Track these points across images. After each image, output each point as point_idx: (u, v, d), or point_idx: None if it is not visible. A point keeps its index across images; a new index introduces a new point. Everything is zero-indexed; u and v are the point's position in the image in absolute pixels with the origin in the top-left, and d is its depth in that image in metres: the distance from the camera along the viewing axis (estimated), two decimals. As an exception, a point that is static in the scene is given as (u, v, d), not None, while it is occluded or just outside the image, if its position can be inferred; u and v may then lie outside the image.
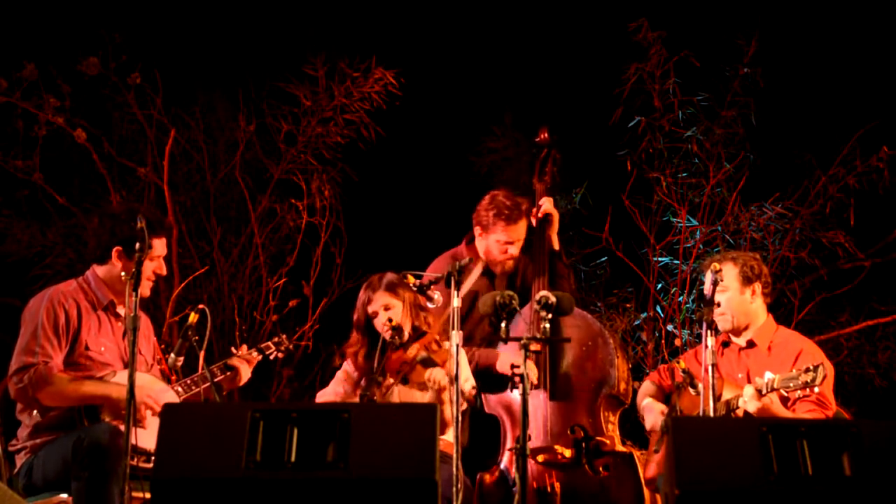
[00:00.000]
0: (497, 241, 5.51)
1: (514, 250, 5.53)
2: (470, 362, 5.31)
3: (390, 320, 4.89)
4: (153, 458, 3.82)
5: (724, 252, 5.46)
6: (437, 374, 4.78)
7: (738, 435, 3.50)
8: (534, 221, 5.65)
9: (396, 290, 4.95)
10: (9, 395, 4.67)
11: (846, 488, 3.43)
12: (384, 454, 3.40)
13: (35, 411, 4.55)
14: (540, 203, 5.66)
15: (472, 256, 5.32)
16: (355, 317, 5.04)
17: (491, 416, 5.40)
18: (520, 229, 5.50)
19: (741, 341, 5.08)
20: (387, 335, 4.82)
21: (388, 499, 3.37)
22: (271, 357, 5.06)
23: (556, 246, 5.65)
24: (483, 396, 5.40)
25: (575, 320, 5.40)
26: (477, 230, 5.57)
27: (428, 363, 4.85)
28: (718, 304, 4.94)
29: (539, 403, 5.30)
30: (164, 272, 4.84)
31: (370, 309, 4.97)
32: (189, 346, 4.52)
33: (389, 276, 4.97)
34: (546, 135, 5.85)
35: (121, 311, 4.78)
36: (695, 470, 3.43)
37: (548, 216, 5.64)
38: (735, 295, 5.02)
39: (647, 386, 5.29)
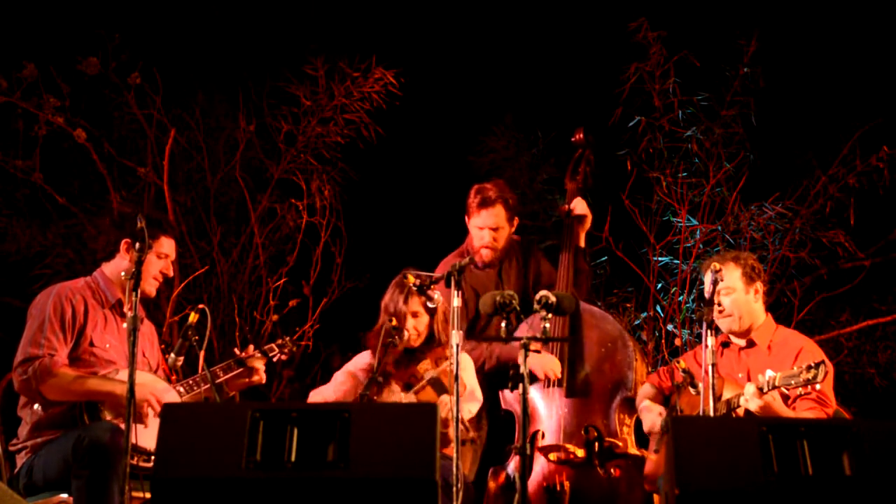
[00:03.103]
0: (475, 227, 5.54)
1: (489, 237, 5.52)
2: (489, 358, 5.33)
3: (390, 320, 4.89)
4: (153, 457, 3.82)
5: (725, 252, 5.46)
6: (448, 404, 4.74)
7: (738, 434, 3.51)
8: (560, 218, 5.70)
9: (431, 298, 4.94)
10: (9, 395, 4.68)
11: (846, 488, 3.43)
12: (384, 454, 3.40)
13: (36, 406, 4.56)
14: (573, 205, 5.69)
15: (471, 256, 5.34)
16: (392, 308, 5.00)
17: (508, 412, 5.41)
18: (494, 216, 5.51)
19: (741, 341, 5.09)
20: (394, 338, 4.82)
21: (388, 499, 3.37)
22: (275, 359, 5.07)
23: (583, 244, 5.69)
24: (500, 393, 5.42)
25: (595, 320, 5.44)
26: (466, 219, 5.61)
27: (437, 386, 4.84)
28: (720, 304, 4.95)
29: (555, 402, 5.32)
30: (171, 273, 4.87)
31: (406, 309, 4.96)
32: (189, 346, 4.52)
33: (412, 281, 4.92)
34: (581, 135, 5.94)
35: (127, 311, 4.79)
36: (695, 469, 3.43)
37: (582, 217, 5.68)
38: (741, 295, 5.02)
39: (645, 388, 5.29)
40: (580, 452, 5.20)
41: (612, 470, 5.22)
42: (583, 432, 5.28)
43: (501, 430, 5.42)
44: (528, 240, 5.90)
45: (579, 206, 5.73)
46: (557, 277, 5.58)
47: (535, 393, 5.35)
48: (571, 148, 5.95)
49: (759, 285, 5.06)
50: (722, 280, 4.95)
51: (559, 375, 5.32)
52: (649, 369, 5.65)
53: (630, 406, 5.40)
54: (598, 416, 5.32)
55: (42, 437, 4.54)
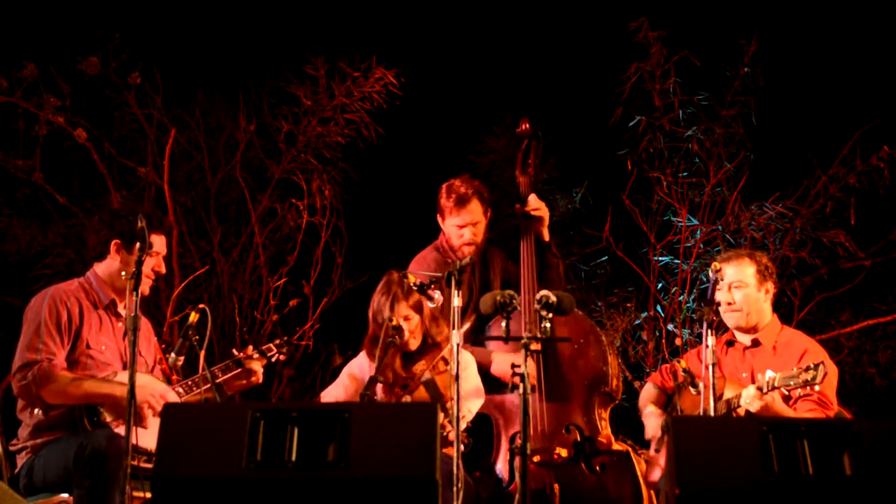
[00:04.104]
0: (453, 226, 5.52)
1: (469, 234, 5.49)
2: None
3: (391, 320, 4.87)
4: (154, 457, 3.82)
5: (740, 249, 5.46)
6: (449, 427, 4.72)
7: (738, 434, 3.50)
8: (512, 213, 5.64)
9: (419, 299, 4.93)
10: (9, 395, 4.68)
11: (847, 488, 3.43)
12: (385, 453, 3.40)
13: (37, 410, 4.55)
14: (527, 204, 5.62)
15: (471, 257, 5.32)
16: (381, 317, 4.95)
17: (483, 415, 5.39)
18: (471, 212, 5.48)
19: (746, 340, 5.08)
20: (395, 337, 4.81)
21: (388, 498, 3.37)
22: (273, 359, 5.06)
23: (547, 238, 5.62)
24: None
25: (565, 317, 5.38)
26: (439, 219, 5.59)
27: (431, 389, 4.83)
28: (719, 304, 4.95)
29: (532, 404, 5.28)
30: (164, 270, 4.84)
31: (393, 315, 4.94)
32: (189, 346, 4.52)
33: (412, 281, 4.90)
34: (527, 125, 5.80)
35: (122, 310, 4.79)
36: (695, 469, 3.43)
37: (538, 217, 5.60)
38: (752, 292, 5.02)
39: (648, 389, 5.28)
40: (564, 453, 5.17)
41: (597, 467, 5.21)
42: (564, 432, 5.26)
43: (478, 434, 5.38)
44: (486, 239, 5.81)
45: (533, 204, 5.60)
46: (521, 277, 5.51)
47: (513, 395, 5.31)
48: (518, 140, 5.88)
49: (770, 285, 5.06)
50: (722, 279, 4.95)
51: (532, 381, 5.27)
52: (619, 361, 5.60)
53: (607, 400, 5.38)
54: (577, 415, 5.29)
55: (42, 438, 4.54)
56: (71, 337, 4.63)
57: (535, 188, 5.69)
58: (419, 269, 5.32)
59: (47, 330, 4.57)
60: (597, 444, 5.23)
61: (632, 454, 5.27)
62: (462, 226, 5.49)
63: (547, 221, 5.62)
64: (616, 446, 5.30)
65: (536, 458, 5.14)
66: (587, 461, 5.21)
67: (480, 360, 5.30)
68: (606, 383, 5.34)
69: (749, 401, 4.66)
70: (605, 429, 5.32)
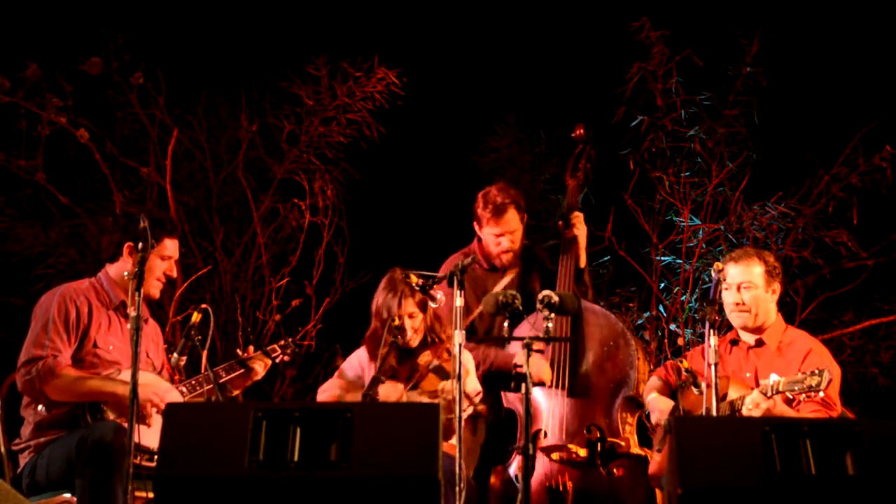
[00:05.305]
0: (490, 234, 5.56)
1: (507, 243, 5.55)
2: (483, 362, 5.32)
3: (392, 320, 4.88)
4: (156, 456, 3.83)
5: (748, 248, 5.45)
6: (450, 387, 4.76)
7: (741, 434, 3.50)
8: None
9: (424, 297, 4.94)
10: (12, 395, 4.70)
11: (849, 488, 3.43)
12: (387, 453, 3.41)
13: (40, 406, 4.57)
14: (571, 217, 5.65)
15: (474, 255, 5.33)
16: (386, 313, 4.98)
17: (509, 411, 5.41)
18: (509, 221, 5.53)
19: (750, 340, 5.07)
20: (397, 337, 4.82)
21: (391, 498, 3.38)
22: (277, 360, 5.08)
23: (583, 264, 5.65)
24: (502, 393, 5.41)
25: (597, 319, 5.43)
26: (476, 227, 5.62)
27: (440, 373, 4.85)
28: (721, 303, 4.93)
29: (557, 401, 5.32)
30: (175, 275, 4.87)
31: (400, 311, 4.94)
32: (192, 346, 4.53)
33: (414, 281, 4.91)
34: (582, 131, 5.94)
35: (131, 311, 4.80)
36: (698, 469, 3.43)
37: (574, 238, 5.62)
38: (761, 293, 5.01)
39: (653, 381, 5.29)
40: (582, 452, 5.19)
41: (614, 470, 5.21)
42: (585, 432, 5.27)
43: (503, 429, 5.42)
44: (530, 244, 5.85)
45: (574, 223, 5.66)
46: (556, 287, 5.54)
47: (537, 392, 5.34)
48: (571, 144, 5.95)
49: (777, 285, 5.06)
50: (724, 279, 4.94)
51: (547, 381, 5.30)
52: (651, 367, 5.64)
53: (633, 405, 5.39)
54: (600, 416, 5.31)
55: (45, 436, 4.55)
56: (78, 335, 4.65)
57: (582, 193, 5.74)
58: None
59: (55, 327, 4.59)
60: (615, 447, 5.24)
61: (650, 459, 5.27)
62: (500, 234, 5.53)
63: (583, 244, 5.65)
64: (635, 450, 5.30)
65: (555, 456, 5.17)
66: (604, 463, 5.21)
67: (504, 360, 5.32)
68: (632, 387, 5.36)
69: (752, 408, 4.65)
70: (626, 432, 5.33)
